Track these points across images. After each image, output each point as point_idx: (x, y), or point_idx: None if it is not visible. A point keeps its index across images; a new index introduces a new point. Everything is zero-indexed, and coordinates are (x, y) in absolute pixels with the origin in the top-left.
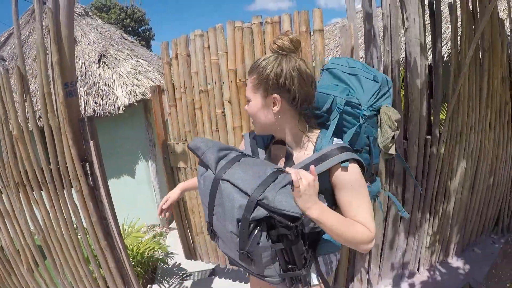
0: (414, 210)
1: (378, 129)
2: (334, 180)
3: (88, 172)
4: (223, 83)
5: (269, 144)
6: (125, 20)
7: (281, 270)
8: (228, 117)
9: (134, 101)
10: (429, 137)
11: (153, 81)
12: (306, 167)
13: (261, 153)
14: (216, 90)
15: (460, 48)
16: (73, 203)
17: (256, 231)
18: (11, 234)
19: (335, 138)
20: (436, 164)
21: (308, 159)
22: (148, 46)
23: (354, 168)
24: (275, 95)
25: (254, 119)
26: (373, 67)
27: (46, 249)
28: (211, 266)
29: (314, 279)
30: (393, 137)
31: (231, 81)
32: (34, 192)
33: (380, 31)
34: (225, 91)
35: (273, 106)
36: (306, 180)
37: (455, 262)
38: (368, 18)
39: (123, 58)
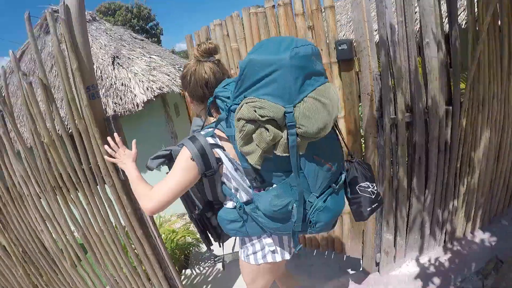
0: (438, 181)
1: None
2: None
3: (119, 167)
4: None
5: None
6: (132, 20)
7: None
8: None
9: (152, 96)
10: (450, 107)
11: (168, 75)
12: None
13: None
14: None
15: (477, 14)
16: (108, 198)
17: None
18: (53, 235)
19: (211, 129)
20: (459, 134)
21: None
22: (158, 42)
23: (182, 150)
24: (185, 91)
25: None
26: (387, 39)
27: (87, 244)
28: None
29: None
30: (247, 140)
31: None
32: (70, 193)
33: (392, 1)
34: None
35: (188, 99)
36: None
37: (481, 234)
38: None
39: (136, 57)
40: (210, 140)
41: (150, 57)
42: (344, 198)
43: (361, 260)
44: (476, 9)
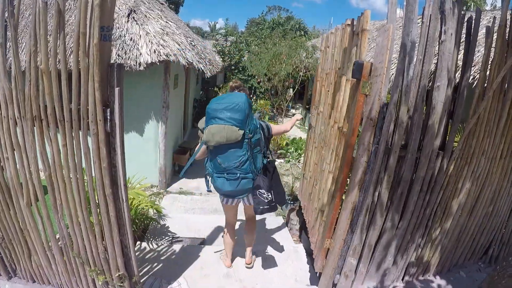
0: (412, 220)
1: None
2: None
3: (108, 118)
4: (332, 70)
5: None
6: None
7: None
8: (329, 96)
9: (157, 60)
10: (441, 152)
11: (179, 45)
12: None
13: None
14: (329, 75)
15: (488, 73)
16: (86, 145)
17: None
18: (17, 166)
19: None
20: (443, 180)
21: None
22: (176, 11)
23: None
24: None
25: None
26: (404, 71)
27: (50, 187)
28: (202, 235)
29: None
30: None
31: (334, 70)
32: (49, 129)
33: (417, 38)
34: (332, 76)
35: None
36: None
37: (439, 280)
38: (408, 23)
39: (153, 17)
40: None
41: (166, 22)
42: (233, 188)
43: (317, 274)
44: (489, 68)
